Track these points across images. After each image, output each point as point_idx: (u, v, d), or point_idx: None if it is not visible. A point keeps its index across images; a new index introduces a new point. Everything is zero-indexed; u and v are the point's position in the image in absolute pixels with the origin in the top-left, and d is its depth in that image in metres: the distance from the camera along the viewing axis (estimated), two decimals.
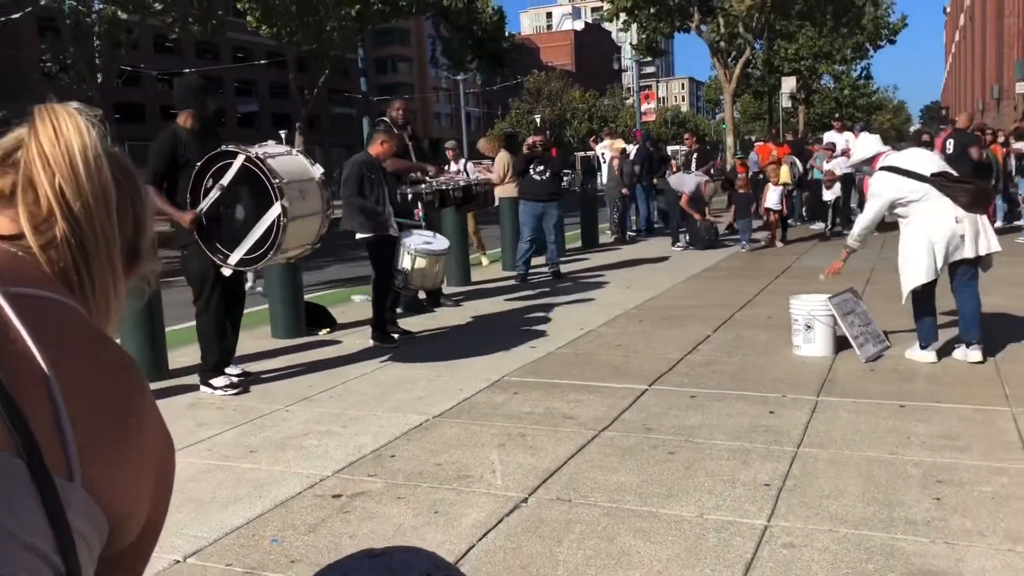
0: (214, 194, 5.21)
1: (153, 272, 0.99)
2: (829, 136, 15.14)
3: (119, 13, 20.56)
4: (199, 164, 5.21)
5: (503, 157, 11.82)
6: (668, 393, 5.13)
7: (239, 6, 23.43)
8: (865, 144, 6.12)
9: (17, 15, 20.95)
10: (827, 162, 13.94)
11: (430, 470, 3.96)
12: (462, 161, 12.56)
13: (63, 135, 0.84)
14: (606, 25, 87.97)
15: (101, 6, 20.25)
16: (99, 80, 20.81)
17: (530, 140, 10.59)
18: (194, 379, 5.76)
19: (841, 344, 5.91)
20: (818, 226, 15.50)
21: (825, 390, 5.08)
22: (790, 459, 3.94)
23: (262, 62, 49.58)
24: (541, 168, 10.16)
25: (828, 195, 13.40)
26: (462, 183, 8.24)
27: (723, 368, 5.71)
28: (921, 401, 4.76)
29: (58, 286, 0.83)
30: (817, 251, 12.32)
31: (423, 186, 7.67)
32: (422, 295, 8.44)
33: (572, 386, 5.34)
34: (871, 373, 5.47)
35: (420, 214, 7.61)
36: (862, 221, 5.94)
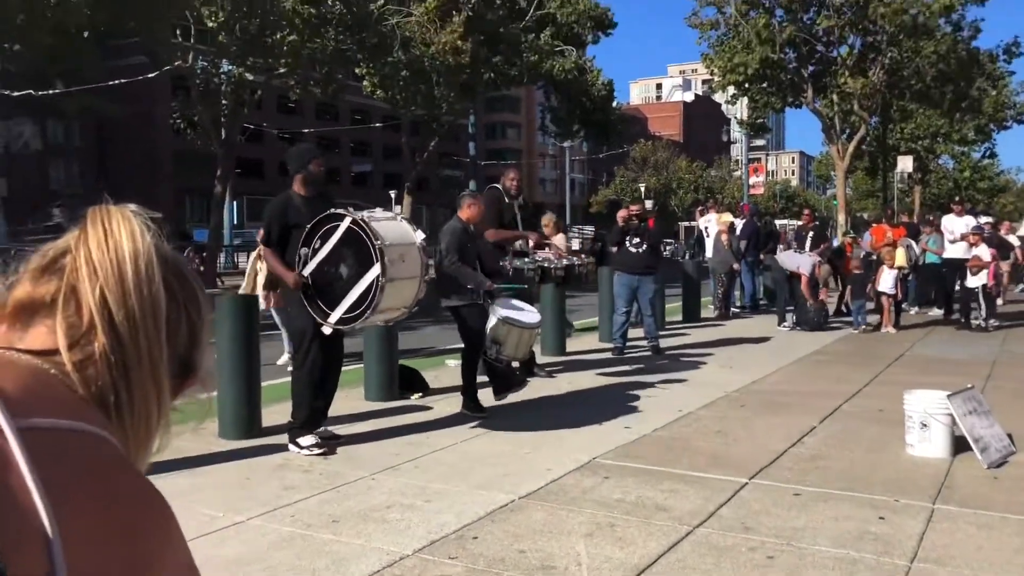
0: (321, 255, 5.34)
1: (209, 388, 0.90)
2: (948, 220, 14.47)
3: (246, 75, 21.60)
4: (308, 226, 5.39)
5: (559, 241, 11.64)
6: (770, 489, 4.83)
7: (358, 71, 24.33)
8: None
9: (153, 75, 22.26)
10: (971, 245, 13.00)
11: (512, 557, 3.79)
12: (560, 236, 12.28)
13: (113, 239, 0.76)
14: (716, 97, 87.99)
15: (229, 67, 21.31)
16: (223, 136, 21.81)
17: (622, 213, 10.32)
18: (285, 438, 5.76)
19: (960, 445, 5.49)
20: (934, 313, 14.79)
21: (942, 497, 4.69)
22: (903, 575, 3.61)
23: (378, 125, 51.27)
24: (637, 240, 9.99)
25: (973, 281, 12.59)
26: (565, 262, 8.17)
27: (830, 464, 5.37)
28: None
29: (90, 411, 0.74)
30: (932, 339, 11.71)
31: (526, 260, 7.61)
32: (515, 364, 8.32)
33: (667, 474, 5.10)
34: (994, 481, 5.04)
35: (508, 267, 7.52)
36: None
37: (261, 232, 5.99)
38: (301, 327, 5.67)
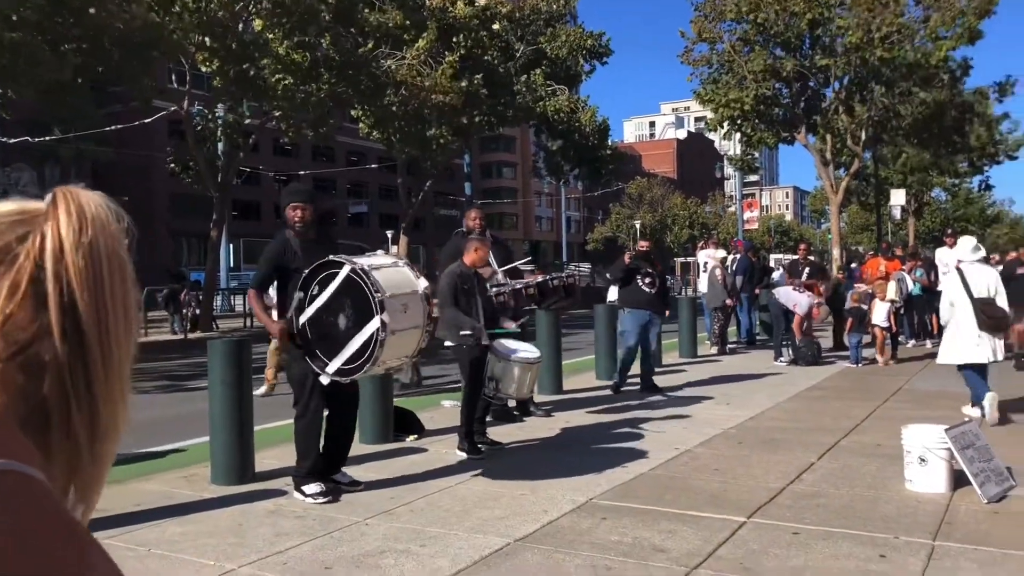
0: (319, 302, 5.24)
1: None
2: (941, 253, 14.52)
3: (240, 119, 21.76)
4: (306, 271, 5.28)
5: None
6: (769, 527, 4.77)
7: (353, 113, 24.52)
8: None
9: (148, 120, 22.41)
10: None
11: None
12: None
13: (90, 228, 0.66)
14: (709, 134, 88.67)
15: (223, 112, 21.45)
16: (219, 180, 21.88)
17: (626, 257, 10.27)
18: (278, 483, 5.71)
19: (959, 479, 5.44)
20: (930, 345, 14.78)
21: (943, 533, 4.64)
22: None
23: (373, 166, 51.56)
24: (649, 280, 9.94)
25: None
26: (539, 279, 8.11)
27: (829, 502, 5.31)
28: None
29: (8, 434, 0.61)
30: (929, 373, 11.65)
31: (494, 289, 7.55)
32: (512, 403, 8.28)
33: (664, 514, 5.04)
34: (995, 516, 4.99)
35: (513, 326, 7.47)
36: None
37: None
38: (301, 374, 5.52)
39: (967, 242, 8.51)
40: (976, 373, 7.96)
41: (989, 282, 7.97)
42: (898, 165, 38.38)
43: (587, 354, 12.81)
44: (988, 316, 7.75)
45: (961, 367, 8.04)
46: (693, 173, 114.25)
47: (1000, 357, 8.00)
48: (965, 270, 8.08)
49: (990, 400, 7.75)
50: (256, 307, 5.69)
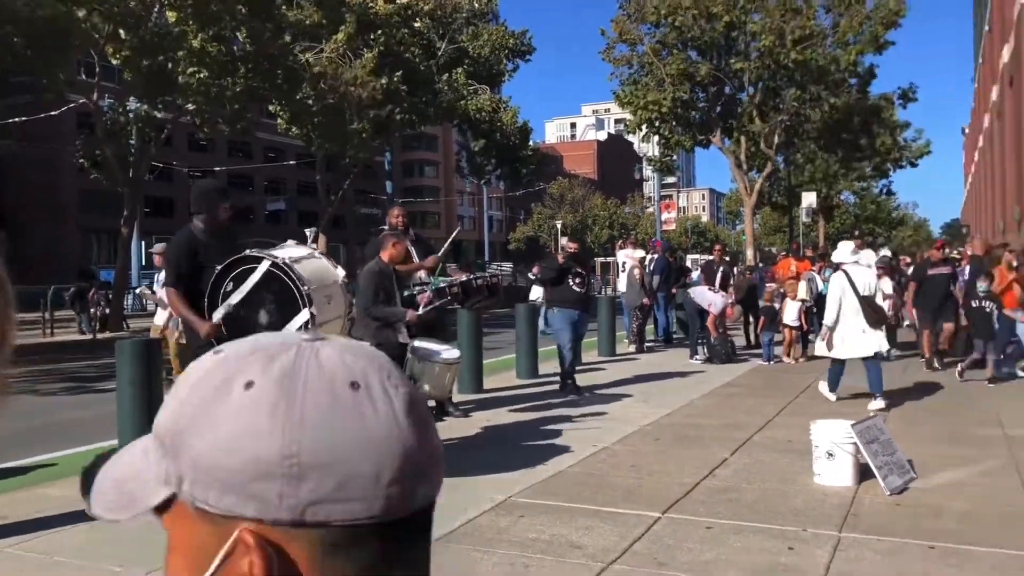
0: (235, 299, 5.08)
1: (4, 378, 0.73)
2: None
3: (153, 112, 21.14)
4: (219, 267, 5.12)
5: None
6: (683, 522, 4.87)
7: (271, 108, 24.10)
8: None
9: (56, 112, 21.62)
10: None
11: None
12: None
13: None
14: (628, 136, 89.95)
15: (136, 105, 20.82)
16: (130, 175, 21.23)
17: (559, 257, 10.30)
18: None
19: (864, 473, 5.64)
20: None
21: (848, 525, 4.80)
22: None
23: (291, 162, 50.76)
24: (579, 280, 9.99)
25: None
26: (463, 278, 8.12)
27: (741, 496, 5.44)
28: (952, 543, 4.47)
29: None
30: None
31: (417, 288, 7.53)
32: (431, 403, 8.24)
33: (582, 510, 5.09)
34: (897, 508, 5.19)
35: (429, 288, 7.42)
36: None
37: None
38: None
39: (846, 246, 9.37)
40: (841, 368, 9.06)
41: (869, 282, 8.90)
42: (806, 174, 39.57)
43: (508, 353, 12.85)
44: (873, 311, 8.71)
45: (834, 360, 9.01)
46: (613, 174, 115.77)
47: (884, 348, 9.02)
48: (850, 271, 8.89)
49: (833, 396, 9.17)
50: (181, 305, 5.33)
